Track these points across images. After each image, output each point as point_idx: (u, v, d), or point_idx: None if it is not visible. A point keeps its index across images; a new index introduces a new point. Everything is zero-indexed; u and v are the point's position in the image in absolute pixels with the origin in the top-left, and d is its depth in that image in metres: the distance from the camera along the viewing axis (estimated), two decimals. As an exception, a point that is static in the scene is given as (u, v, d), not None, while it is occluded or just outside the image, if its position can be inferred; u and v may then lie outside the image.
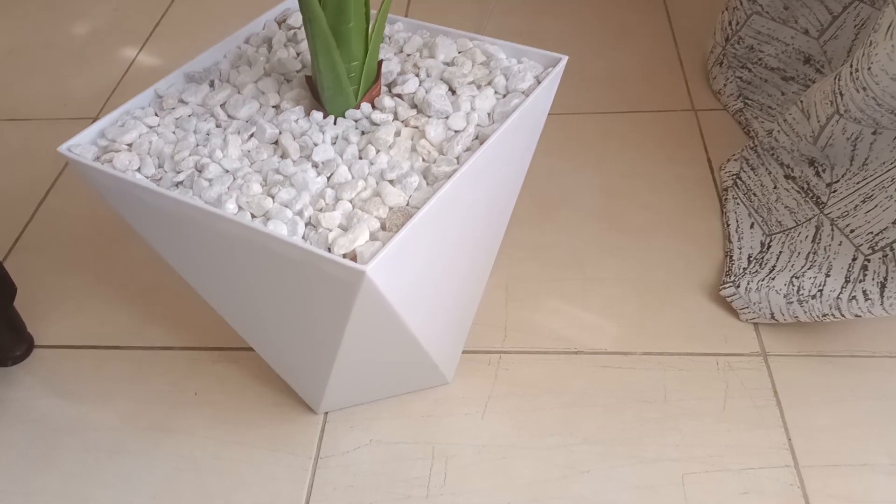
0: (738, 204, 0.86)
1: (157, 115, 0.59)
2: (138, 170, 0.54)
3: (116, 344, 0.80)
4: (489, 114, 0.57)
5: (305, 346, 0.59)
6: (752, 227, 0.83)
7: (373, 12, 0.56)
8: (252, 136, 0.56)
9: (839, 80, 0.75)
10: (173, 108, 0.59)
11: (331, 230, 0.49)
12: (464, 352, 0.76)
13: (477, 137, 0.55)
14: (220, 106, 0.59)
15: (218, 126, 0.58)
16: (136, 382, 0.76)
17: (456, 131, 0.55)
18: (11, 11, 1.36)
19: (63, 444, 0.72)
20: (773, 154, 0.87)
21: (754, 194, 0.86)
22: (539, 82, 0.59)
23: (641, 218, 0.88)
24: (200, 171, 0.54)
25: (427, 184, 0.52)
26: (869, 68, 0.70)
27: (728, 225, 0.85)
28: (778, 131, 0.86)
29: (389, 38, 0.65)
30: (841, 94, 0.74)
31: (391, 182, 0.52)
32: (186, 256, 0.57)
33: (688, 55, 1.12)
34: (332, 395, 0.68)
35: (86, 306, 0.84)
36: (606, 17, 1.21)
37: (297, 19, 0.68)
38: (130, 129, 0.57)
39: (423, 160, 0.54)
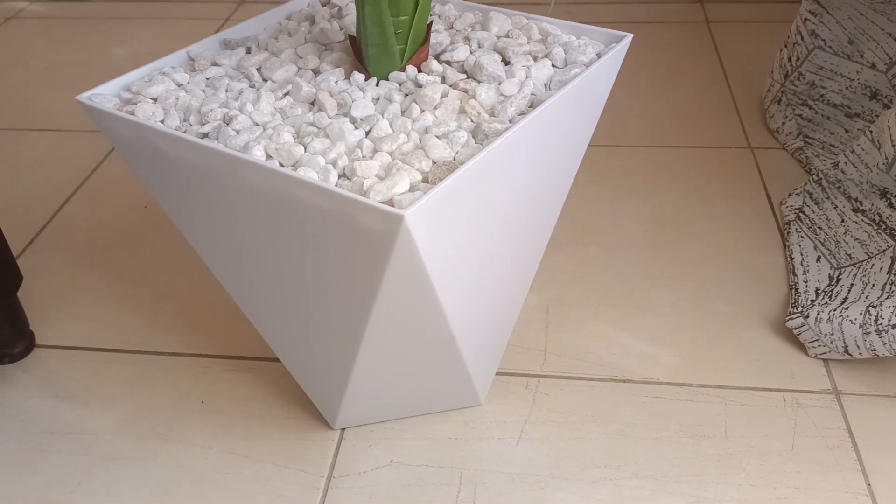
0: (802, 237, 0.79)
1: (187, 73, 0.55)
2: (162, 122, 0.50)
3: (122, 347, 0.74)
4: (546, 84, 0.52)
5: (330, 330, 0.53)
6: (818, 260, 0.76)
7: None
8: (287, 94, 0.52)
9: (919, 98, 0.69)
10: (205, 69, 0.55)
11: (367, 178, 0.43)
12: (499, 373, 0.69)
13: (532, 105, 0.50)
14: (256, 69, 0.55)
15: (252, 86, 0.54)
16: (138, 387, 0.70)
17: (508, 96, 0.50)
18: (58, 33, 1.36)
19: (53, 447, 0.65)
20: (839, 187, 0.80)
21: (819, 228, 0.79)
22: (600, 57, 0.54)
23: (696, 248, 0.82)
24: (228, 123, 0.49)
25: (476, 141, 0.47)
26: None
27: (792, 258, 0.78)
28: (845, 163, 0.80)
29: (439, 15, 0.61)
30: (921, 114, 0.69)
31: (437, 137, 0.46)
32: (210, 223, 0.52)
33: (741, 96, 1.07)
34: (351, 405, 0.61)
35: (94, 309, 0.78)
36: (658, 59, 1.18)
37: (342, -1, 0.64)
38: (157, 83, 0.53)
39: (472, 121, 0.48)
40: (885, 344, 0.63)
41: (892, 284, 0.67)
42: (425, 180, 0.44)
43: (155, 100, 0.52)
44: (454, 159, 0.45)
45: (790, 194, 0.86)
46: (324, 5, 0.65)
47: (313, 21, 0.62)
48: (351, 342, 0.52)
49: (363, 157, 0.45)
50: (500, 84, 0.51)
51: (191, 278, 0.81)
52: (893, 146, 0.73)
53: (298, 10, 0.64)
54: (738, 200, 0.88)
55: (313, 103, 0.51)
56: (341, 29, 0.60)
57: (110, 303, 0.79)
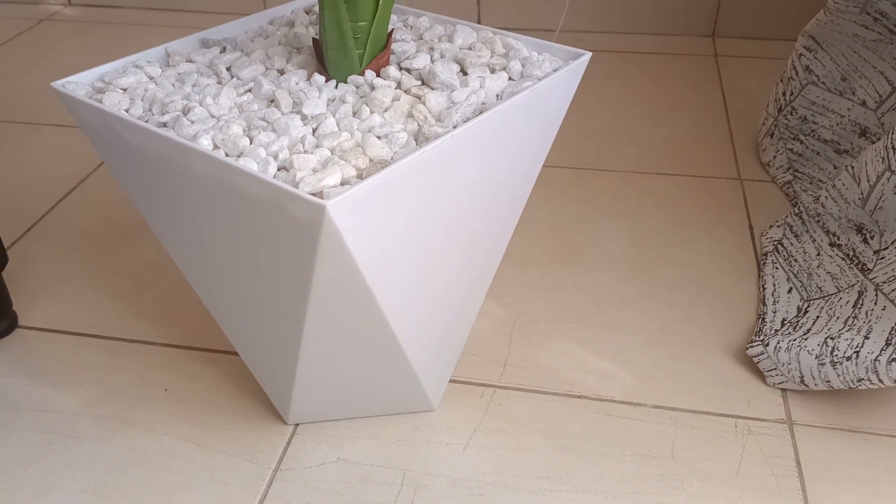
0: (776, 268, 0.79)
1: (161, 69, 0.57)
2: (127, 110, 0.52)
3: (98, 333, 0.76)
4: (498, 94, 0.53)
5: (273, 323, 0.54)
6: (789, 291, 0.76)
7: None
8: (249, 90, 0.54)
9: (892, 133, 0.69)
10: (178, 64, 0.58)
11: (301, 171, 0.45)
12: (455, 381, 0.70)
13: (481, 113, 0.51)
14: (226, 67, 0.57)
15: (219, 83, 0.56)
16: (107, 372, 0.72)
17: (457, 103, 0.51)
18: (86, 36, 1.42)
19: (16, 423, 0.67)
20: (818, 221, 0.80)
21: (795, 260, 0.79)
22: (555, 73, 0.55)
23: (672, 272, 0.82)
24: (186, 114, 0.51)
25: (417, 144, 0.48)
26: (926, 118, 0.65)
27: (764, 288, 0.78)
28: (826, 197, 0.80)
29: (412, 27, 0.63)
30: (894, 149, 0.69)
31: (377, 137, 0.48)
32: (163, 206, 0.54)
33: (739, 130, 1.07)
34: (302, 401, 0.62)
35: (78, 295, 0.81)
36: (661, 89, 1.18)
37: (323, 8, 0.67)
38: (129, 75, 0.55)
39: (418, 125, 0.50)
40: (839, 376, 0.63)
41: (854, 318, 0.67)
42: (359, 176, 0.45)
43: (125, 90, 0.54)
44: (391, 159, 0.46)
45: (771, 226, 0.86)
46: (307, 13, 0.68)
47: (292, 25, 0.64)
48: (293, 335, 0.53)
49: (304, 150, 0.47)
50: (452, 92, 0.53)
51: (170, 273, 0.83)
52: (868, 181, 0.73)
53: (281, 15, 0.67)
54: (720, 229, 0.88)
55: (272, 101, 0.53)
56: (315, 34, 0.62)
57: (94, 290, 0.81)
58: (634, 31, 1.38)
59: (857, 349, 0.62)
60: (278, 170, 0.46)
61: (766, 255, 0.82)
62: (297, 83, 0.54)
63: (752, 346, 0.70)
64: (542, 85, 0.53)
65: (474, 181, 0.52)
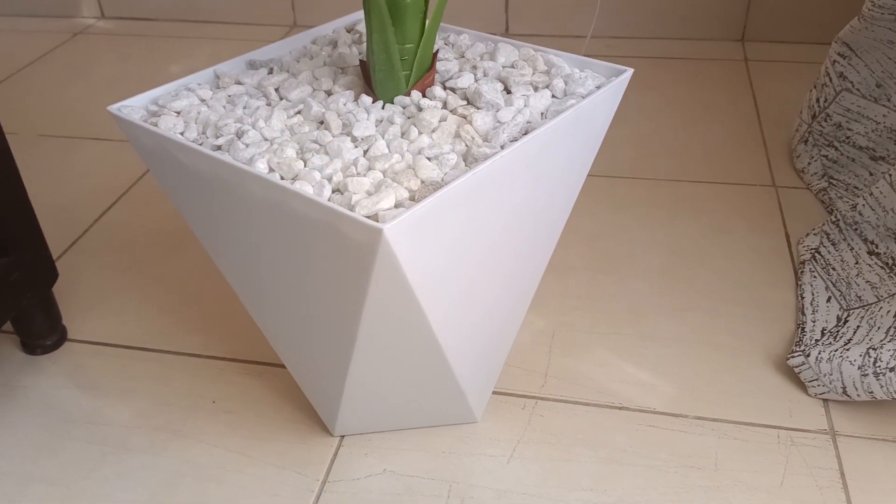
0: (815, 277, 0.79)
1: (211, 91, 0.59)
2: (182, 133, 0.54)
3: (147, 346, 0.78)
4: (542, 113, 0.54)
5: (323, 339, 0.56)
6: (828, 300, 0.76)
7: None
8: (298, 112, 0.55)
9: (934, 144, 0.69)
10: (228, 87, 0.59)
11: (356, 194, 0.46)
12: (498, 393, 0.71)
13: (526, 132, 0.52)
14: (274, 88, 0.59)
15: (268, 105, 0.57)
16: (157, 384, 0.74)
17: (503, 123, 0.52)
18: (121, 49, 1.44)
19: (72, 434, 0.69)
20: (856, 229, 0.80)
21: (833, 269, 0.79)
22: (598, 90, 0.56)
23: (710, 282, 0.82)
24: (240, 137, 0.52)
25: (466, 164, 0.49)
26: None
27: (803, 297, 0.78)
28: (863, 205, 0.80)
29: (453, 45, 0.64)
30: (935, 159, 0.69)
31: (428, 158, 0.49)
32: (217, 226, 0.55)
33: (772, 136, 1.07)
34: (348, 413, 0.64)
35: (125, 308, 0.83)
36: (694, 95, 1.19)
37: (364, 26, 0.68)
38: (182, 98, 0.57)
39: (466, 145, 0.51)
40: (882, 387, 0.63)
41: (895, 329, 0.67)
42: (412, 198, 0.46)
43: (178, 113, 0.56)
44: (442, 180, 0.48)
45: (808, 234, 0.86)
46: (348, 31, 0.69)
47: (335, 45, 0.65)
48: (344, 352, 0.54)
49: (357, 173, 0.48)
50: (497, 111, 0.53)
51: (217, 285, 0.85)
52: (909, 190, 0.73)
53: (324, 34, 0.68)
54: (756, 237, 0.88)
55: (322, 122, 0.55)
56: (360, 53, 0.64)
57: (141, 304, 0.83)
58: (664, 37, 1.38)
59: (901, 360, 0.62)
60: (333, 192, 0.47)
61: (803, 263, 0.82)
62: (344, 104, 0.55)
63: (792, 357, 0.70)
64: (587, 103, 0.54)
65: (521, 198, 0.53)
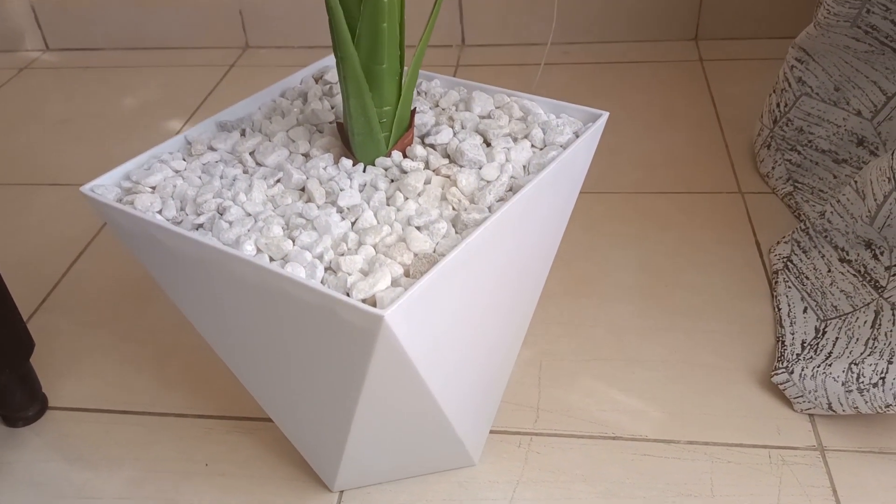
0: (789, 287, 0.81)
1: (184, 159, 0.58)
2: (159, 212, 0.52)
3: (130, 409, 0.77)
4: (524, 166, 0.54)
5: (321, 408, 0.55)
6: (805, 311, 0.78)
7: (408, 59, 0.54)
8: (278, 181, 0.54)
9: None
10: (202, 154, 0.58)
11: (350, 274, 0.45)
12: (493, 431, 0.71)
13: (511, 189, 0.52)
14: (249, 153, 0.58)
15: (245, 172, 0.56)
16: (145, 449, 0.72)
17: (488, 181, 0.52)
18: (70, 83, 1.40)
19: (62, 509, 0.68)
20: (826, 236, 0.82)
21: (807, 278, 0.81)
22: (578, 137, 0.56)
23: (686, 298, 0.84)
24: (222, 214, 0.51)
25: (456, 231, 0.49)
26: (930, 142, 0.66)
27: (779, 309, 0.80)
28: (831, 212, 0.82)
29: (426, 93, 0.63)
30: (900, 171, 0.70)
31: (418, 228, 0.48)
32: (204, 305, 0.54)
33: (733, 140, 1.09)
34: (348, 470, 0.63)
35: (103, 368, 0.81)
36: (653, 101, 1.20)
37: (333, 75, 0.67)
38: (156, 171, 0.55)
39: (454, 208, 0.51)
40: (866, 402, 0.65)
41: (874, 340, 0.69)
42: (406, 273, 0.46)
43: (154, 188, 0.55)
44: (434, 251, 0.47)
45: (778, 242, 0.88)
46: (316, 81, 0.68)
47: (306, 99, 0.65)
48: (343, 419, 0.54)
49: (348, 249, 0.48)
50: (480, 168, 0.53)
51: (195, 336, 0.84)
52: (875, 200, 0.74)
53: (292, 87, 0.67)
54: (727, 248, 0.90)
55: (303, 190, 0.54)
56: (332, 107, 0.63)
57: (118, 362, 0.82)
58: (619, 40, 1.39)
59: (883, 375, 0.64)
60: (325, 270, 0.47)
61: (776, 273, 0.84)
62: (325, 168, 0.55)
63: (776, 374, 0.71)
64: (568, 154, 0.54)
65: (509, 255, 0.53)
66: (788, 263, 0.84)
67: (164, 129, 1.24)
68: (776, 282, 0.83)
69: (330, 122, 0.61)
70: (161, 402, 0.77)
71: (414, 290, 0.43)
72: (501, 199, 0.51)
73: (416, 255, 0.47)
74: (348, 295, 0.44)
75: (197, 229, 0.51)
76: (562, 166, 0.54)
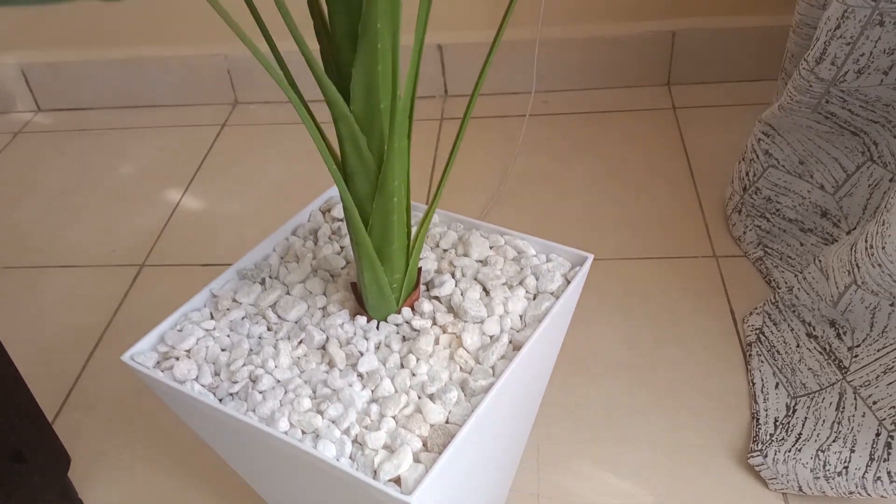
0: (762, 362, 0.89)
1: (212, 316, 0.64)
2: (196, 378, 0.58)
3: (161, 506, 0.83)
4: (521, 316, 0.61)
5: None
6: (776, 386, 0.85)
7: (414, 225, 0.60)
8: (301, 342, 0.60)
9: (855, 251, 0.78)
10: (228, 310, 0.64)
11: (376, 452, 0.52)
12: (498, 519, 0.78)
13: (511, 342, 0.59)
14: (271, 307, 0.64)
15: (269, 329, 0.62)
16: (180, 548, 0.79)
17: (491, 337, 0.59)
18: (66, 149, 1.44)
19: None
20: (794, 311, 0.90)
21: (778, 352, 0.88)
22: (568, 281, 0.63)
23: (668, 374, 0.91)
24: (254, 382, 0.57)
25: (465, 397, 0.55)
26: (883, 247, 0.73)
27: (753, 384, 0.87)
28: (798, 289, 0.89)
29: (427, 234, 0.69)
30: (857, 267, 0.78)
31: (431, 397, 0.55)
32: (243, 461, 0.61)
33: (707, 197, 1.16)
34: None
35: (132, 469, 0.87)
36: (629, 155, 1.26)
37: (339, 211, 0.73)
38: (188, 334, 0.61)
39: (461, 370, 0.57)
40: (832, 489, 0.72)
41: (839, 423, 0.77)
42: (425, 445, 0.53)
43: (188, 352, 0.61)
44: (447, 421, 0.54)
45: (751, 313, 0.95)
46: (324, 214, 0.74)
47: (316, 238, 0.70)
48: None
49: (371, 423, 0.54)
50: (482, 324, 0.60)
51: (216, 430, 0.90)
52: (837, 288, 0.82)
53: (302, 223, 0.73)
54: (704, 319, 0.97)
55: (324, 348, 0.60)
56: (341, 249, 0.69)
57: (146, 461, 0.88)
58: (594, 87, 1.44)
59: (846, 464, 0.72)
60: (353, 442, 0.53)
61: (750, 346, 0.91)
62: (342, 325, 0.61)
63: (752, 456, 0.79)
64: (559, 306, 0.60)
65: (513, 402, 0.59)
66: (761, 336, 0.91)
67: (164, 199, 1.29)
68: (750, 355, 0.91)
69: (342, 268, 0.67)
70: (190, 500, 0.83)
71: (435, 469, 0.49)
72: (503, 357, 0.58)
73: (432, 426, 0.53)
74: (375, 473, 0.51)
75: (232, 398, 0.57)
76: (554, 316, 0.60)
